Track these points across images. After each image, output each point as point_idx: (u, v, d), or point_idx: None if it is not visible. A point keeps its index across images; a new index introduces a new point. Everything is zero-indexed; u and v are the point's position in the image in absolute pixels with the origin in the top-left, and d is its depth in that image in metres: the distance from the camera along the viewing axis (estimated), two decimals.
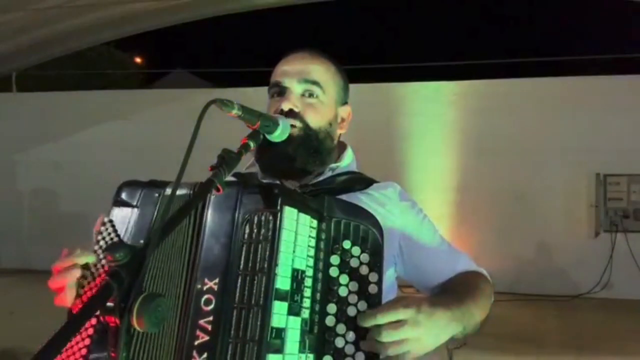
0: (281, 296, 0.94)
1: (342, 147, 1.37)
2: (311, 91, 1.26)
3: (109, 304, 0.76)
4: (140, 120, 7.60)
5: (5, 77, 8.33)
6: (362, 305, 1.01)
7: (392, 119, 6.92)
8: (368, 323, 0.98)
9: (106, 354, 0.89)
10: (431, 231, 1.32)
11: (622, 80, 6.60)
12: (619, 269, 6.23)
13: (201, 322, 0.93)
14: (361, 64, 7.25)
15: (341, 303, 1.01)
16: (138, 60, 19.75)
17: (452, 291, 1.21)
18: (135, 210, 1.06)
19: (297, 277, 0.97)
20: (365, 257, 1.04)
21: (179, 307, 0.94)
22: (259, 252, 0.94)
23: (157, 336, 0.91)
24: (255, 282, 0.93)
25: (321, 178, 1.28)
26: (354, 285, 1.03)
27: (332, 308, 1.01)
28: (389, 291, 1.18)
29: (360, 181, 1.31)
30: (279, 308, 0.93)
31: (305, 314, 0.98)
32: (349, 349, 0.99)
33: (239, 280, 0.93)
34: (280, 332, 0.92)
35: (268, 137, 1.14)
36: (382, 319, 0.98)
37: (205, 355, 0.91)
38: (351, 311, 1.01)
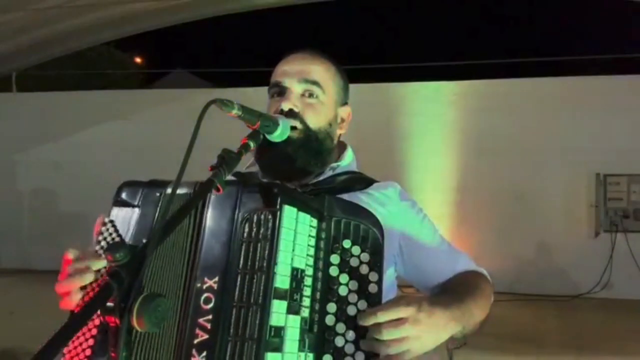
0: (280, 295, 0.94)
1: (342, 147, 1.37)
2: (311, 91, 1.26)
3: (109, 304, 0.76)
4: (140, 120, 7.61)
5: (5, 77, 8.33)
6: (362, 305, 1.01)
7: (392, 119, 6.92)
8: (368, 321, 0.98)
9: (109, 355, 0.89)
10: (431, 231, 1.32)
11: (622, 80, 6.60)
12: (619, 269, 6.23)
13: (201, 320, 0.93)
14: (361, 64, 7.25)
15: (341, 302, 1.01)
16: (138, 60, 19.75)
17: (452, 291, 1.21)
18: (137, 210, 1.07)
19: (296, 276, 0.97)
20: (365, 257, 1.04)
21: (179, 306, 0.94)
22: (258, 250, 0.95)
23: (157, 335, 0.92)
24: (255, 280, 0.93)
25: (321, 178, 1.28)
26: (354, 285, 1.03)
27: (332, 307, 1.01)
28: (389, 290, 1.18)
29: (360, 181, 1.31)
30: (278, 307, 0.93)
31: (305, 312, 0.98)
32: (349, 348, 0.99)
33: (239, 279, 0.94)
34: (279, 331, 0.92)
35: (268, 137, 1.14)
36: (383, 317, 0.98)
37: (204, 353, 0.91)
38: (351, 310, 1.01)
